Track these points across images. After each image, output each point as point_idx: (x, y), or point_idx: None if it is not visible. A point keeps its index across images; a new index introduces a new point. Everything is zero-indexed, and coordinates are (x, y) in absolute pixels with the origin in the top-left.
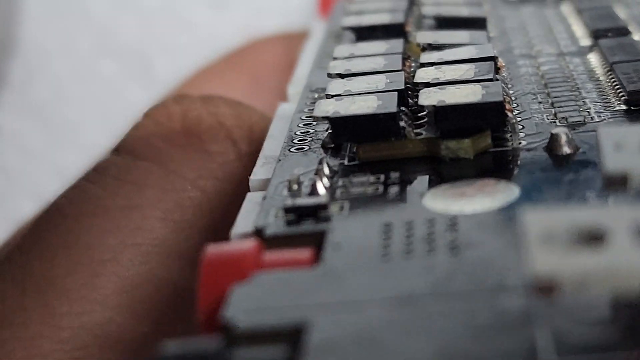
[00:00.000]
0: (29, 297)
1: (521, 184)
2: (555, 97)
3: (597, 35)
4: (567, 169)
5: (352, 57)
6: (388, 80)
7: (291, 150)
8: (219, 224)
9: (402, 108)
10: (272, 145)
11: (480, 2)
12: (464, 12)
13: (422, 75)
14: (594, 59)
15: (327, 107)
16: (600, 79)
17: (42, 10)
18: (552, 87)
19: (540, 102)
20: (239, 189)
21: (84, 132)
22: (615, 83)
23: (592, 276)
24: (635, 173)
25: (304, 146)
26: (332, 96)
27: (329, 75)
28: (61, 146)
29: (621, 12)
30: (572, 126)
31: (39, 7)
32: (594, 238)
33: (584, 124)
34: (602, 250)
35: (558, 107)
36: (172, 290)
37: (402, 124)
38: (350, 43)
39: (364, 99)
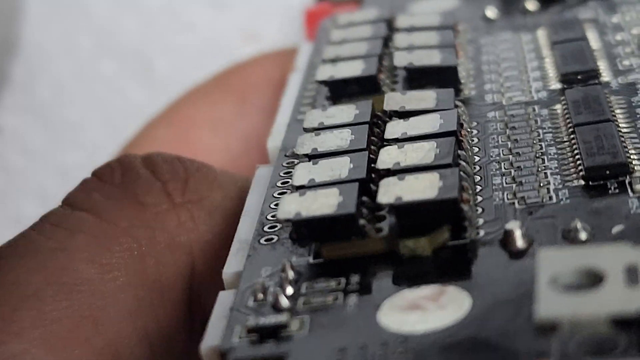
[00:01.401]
0: None
1: (474, 292)
2: (517, 166)
3: (566, 79)
4: (519, 268)
5: (320, 128)
6: (351, 166)
7: (260, 242)
8: (149, 268)
9: (364, 199)
10: (246, 226)
11: (455, 27)
12: (436, 59)
13: (384, 158)
14: (560, 110)
15: (289, 207)
16: (564, 140)
17: (43, 10)
18: (516, 150)
19: (503, 175)
20: (170, 237)
21: (84, 132)
22: (576, 152)
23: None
24: (564, 322)
25: (273, 236)
26: (297, 188)
27: (297, 157)
28: (62, 145)
29: (593, 42)
30: (529, 210)
31: (40, 7)
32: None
33: (542, 206)
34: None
35: (519, 181)
36: (93, 327)
37: (362, 221)
38: (323, 100)
39: (326, 194)
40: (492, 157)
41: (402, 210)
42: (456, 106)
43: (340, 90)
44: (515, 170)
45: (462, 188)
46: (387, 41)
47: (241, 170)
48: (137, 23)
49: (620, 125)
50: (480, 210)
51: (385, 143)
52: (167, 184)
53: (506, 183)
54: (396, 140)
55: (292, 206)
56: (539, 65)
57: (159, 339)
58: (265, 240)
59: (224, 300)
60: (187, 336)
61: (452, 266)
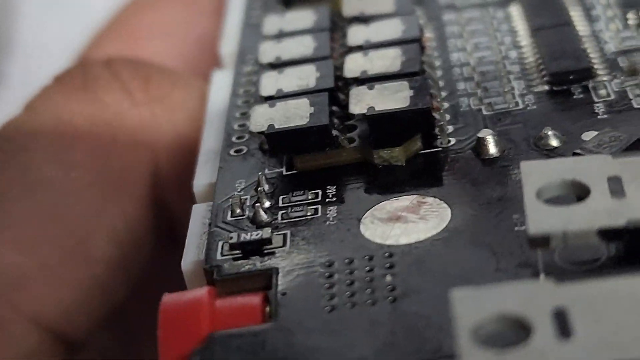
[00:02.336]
0: None
1: (451, 201)
2: (480, 71)
3: None
4: (495, 175)
5: (281, 35)
6: (318, 74)
7: (230, 153)
8: (113, 166)
9: (334, 108)
10: (210, 136)
11: None
12: None
13: (351, 66)
14: (515, 13)
15: (261, 119)
16: (524, 44)
17: (42, 9)
18: (476, 54)
19: (466, 79)
20: (132, 135)
21: None
22: (538, 56)
23: None
24: (555, 236)
25: (242, 147)
26: (266, 99)
27: (261, 66)
28: None
29: None
30: (498, 117)
31: (38, 6)
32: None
33: (509, 112)
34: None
35: (484, 86)
36: (61, 226)
37: (335, 132)
38: (274, 4)
39: (296, 105)
40: (453, 62)
41: (374, 120)
42: (414, 9)
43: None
44: (478, 75)
45: (431, 96)
46: None
47: (198, 74)
48: None
49: (577, 27)
50: (448, 117)
51: (349, 51)
52: (128, 83)
53: (470, 89)
54: (360, 48)
55: (264, 118)
56: None
57: (127, 239)
58: (235, 152)
59: (198, 213)
60: (155, 237)
61: (426, 175)
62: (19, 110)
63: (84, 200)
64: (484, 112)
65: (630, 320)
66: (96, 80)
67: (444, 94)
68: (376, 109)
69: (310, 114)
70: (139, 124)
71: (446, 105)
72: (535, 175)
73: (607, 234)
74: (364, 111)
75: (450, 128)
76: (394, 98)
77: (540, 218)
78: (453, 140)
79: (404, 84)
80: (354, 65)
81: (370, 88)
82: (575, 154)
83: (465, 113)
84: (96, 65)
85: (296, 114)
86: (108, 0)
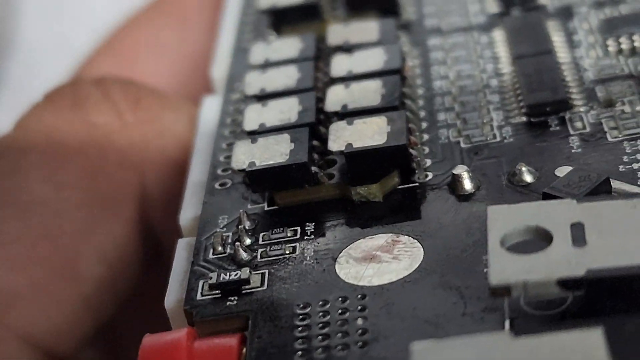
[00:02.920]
0: None
1: (426, 242)
2: (461, 101)
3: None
4: (468, 214)
5: (266, 65)
6: (300, 108)
7: (215, 187)
8: (102, 186)
9: (315, 143)
10: (197, 168)
11: None
12: None
13: (332, 99)
14: (499, 37)
15: (243, 157)
16: (505, 72)
17: (41, 10)
18: (459, 83)
19: (446, 110)
20: (121, 156)
21: None
22: (517, 85)
23: None
24: (516, 286)
25: (227, 180)
26: (249, 133)
27: (246, 97)
28: None
29: None
30: (475, 150)
31: (37, 6)
32: None
33: (486, 145)
34: None
35: (463, 117)
36: (51, 246)
37: (314, 169)
38: (265, 28)
39: (277, 140)
40: (435, 90)
41: (352, 157)
42: (397, 37)
43: (282, 18)
44: (458, 106)
45: (409, 131)
46: None
47: (190, 95)
48: (135, 9)
49: (558, 55)
50: (427, 149)
51: (331, 83)
52: (118, 104)
53: (450, 120)
54: (342, 79)
55: (245, 155)
56: None
57: (115, 258)
58: (220, 185)
59: (182, 249)
60: (142, 256)
61: (403, 211)
62: (18, 111)
63: (73, 220)
64: (462, 145)
65: None
66: (86, 100)
67: (424, 125)
68: (354, 145)
69: (291, 150)
70: (128, 145)
71: (426, 137)
72: (501, 220)
73: (567, 284)
74: (342, 148)
75: (428, 162)
76: (372, 134)
77: (502, 268)
78: (430, 175)
79: (382, 119)
80: (335, 98)
81: (350, 123)
82: (544, 194)
83: (444, 146)
84: (86, 84)
85: (277, 151)
86: (108, 2)
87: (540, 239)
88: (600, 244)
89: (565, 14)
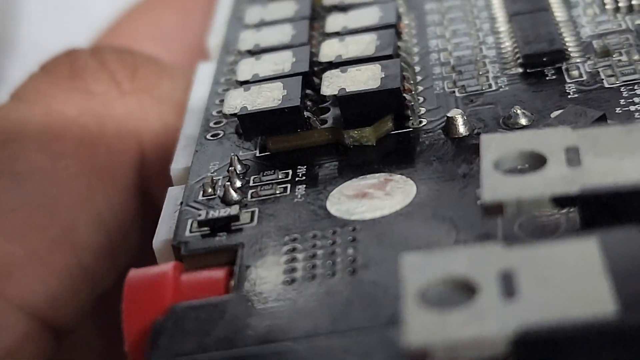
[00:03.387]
0: None
1: (418, 178)
2: (456, 56)
3: None
4: (462, 153)
5: (261, 24)
6: (294, 60)
7: (207, 137)
8: (100, 155)
9: (308, 92)
10: (191, 123)
11: None
12: None
13: (326, 51)
14: (496, 0)
15: (235, 102)
16: (501, 30)
17: (41, 9)
18: (455, 40)
19: (442, 64)
20: (119, 125)
21: None
22: (513, 40)
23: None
24: (509, 203)
25: (219, 131)
26: (242, 83)
27: (240, 53)
28: None
29: None
30: (470, 98)
31: (38, 6)
32: (466, 290)
33: (482, 93)
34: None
35: (459, 70)
36: (48, 215)
37: (307, 114)
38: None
39: (270, 88)
40: (431, 48)
41: (345, 101)
42: None
43: None
44: (454, 60)
45: (403, 78)
46: None
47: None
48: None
49: (555, 13)
50: (421, 99)
51: (326, 37)
52: (116, 73)
53: (446, 72)
54: (337, 34)
55: (237, 101)
56: None
57: (114, 227)
58: (212, 136)
59: (173, 195)
60: (140, 226)
61: (396, 154)
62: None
63: (71, 189)
64: (457, 94)
65: (573, 281)
66: (83, 70)
67: (419, 78)
68: (347, 90)
69: (283, 96)
70: (126, 113)
71: (420, 88)
72: (494, 146)
73: (561, 201)
74: (335, 92)
75: (423, 110)
76: (365, 80)
77: (495, 186)
78: (424, 122)
79: (376, 66)
80: (329, 50)
81: (343, 71)
82: None
83: (439, 95)
84: (83, 54)
85: (269, 97)
86: (108, 1)
87: (535, 163)
88: (594, 165)
89: None
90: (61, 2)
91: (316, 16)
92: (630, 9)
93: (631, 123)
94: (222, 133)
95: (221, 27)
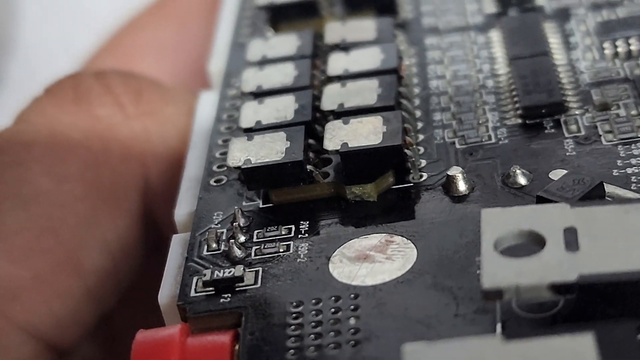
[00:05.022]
0: None
1: (418, 241)
2: (457, 101)
3: (500, 1)
4: (462, 215)
5: (263, 61)
6: (297, 106)
7: (210, 183)
8: (104, 178)
9: (310, 142)
10: (194, 163)
11: None
12: None
13: (328, 98)
14: (496, 38)
15: (238, 154)
16: (501, 73)
17: (42, 10)
18: (455, 83)
19: (442, 110)
20: (124, 148)
21: None
22: (513, 87)
23: None
24: (508, 289)
25: (222, 176)
26: (245, 130)
27: (243, 94)
28: None
29: None
30: (470, 150)
31: (38, 7)
32: None
33: (481, 146)
34: None
35: (459, 118)
36: (53, 238)
37: (309, 167)
38: (262, 23)
39: (273, 139)
40: (431, 89)
41: (348, 157)
42: (394, 36)
43: (280, 15)
44: (454, 106)
45: (404, 131)
46: None
47: (188, 91)
48: (135, 11)
49: (555, 57)
50: (422, 150)
51: (328, 81)
52: (120, 97)
53: (446, 120)
54: (339, 78)
55: (241, 152)
56: None
57: (118, 250)
58: (215, 182)
59: (177, 243)
60: (144, 250)
61: (397, 211)
62: (18, 111)
63: (76, 212)
64: (457, 146)
65: None
66: (88, 93)
67: (420, 124)
68: (349, 145)
69: (286, 148)
70: (130, 137)
71: (421, 137)
72: (494, 223)
73: (559, 289)
74: (338, 147)
75: (423, 162)
76: (367, 134)
77: (495, 272)
78: (425, 176)
79: (378, 118)
80: (331, 96)
81: (346, 122)
82: (538, 197)
83: (439, 146)
84: (87, 77)
85: (272, 149)
86: (108, 2)
87: (533, 242)
88: (592, 249)
89: (563, 16)
90: (61, 3)
91: (318, 52)
92: (629, 54)
93: (627, 202)
94: (225, 179)
95: (222, 52)
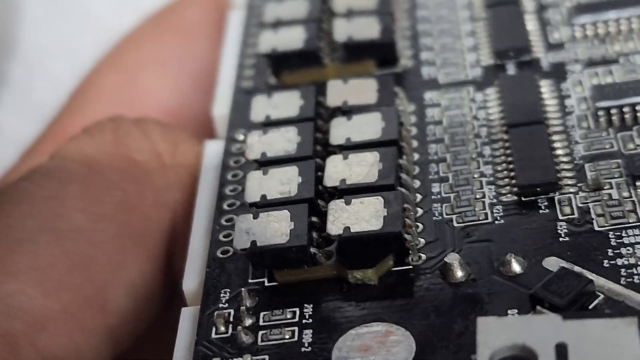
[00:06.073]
0: None
1: (416, 333)
2: (454, 170)
3: (499, 55)
4: (459, 304)
5: (267, 122)
6: (300, 180)
7: (218, 254)
8: (136, 222)
9: (313, 220)
10: (199, 230)
11: None
12: (374, 31)
13: (331, 172)
14: (493, 96)
15: (244, 235)
16: (498, 138)
17: (42, 11)
18: (453, 148)
19: (441, 180)
20: (157, 195)
21: None
22: (510, 160)
23: None
24: None
25: (229, 247)
26: (250, 205)
27: (247, 160)
28: None
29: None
30: (467, 231)
31: (39, 7)
32: None
33: (477, 226)
34: None
35: (457, 191)
36: (84, 275)
37: (313, 250)
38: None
39: (278, 218)
40: (430, 154)
41: (349, 242)
42: (395, 95)
43: (282, 63)
44: (452, 176)
45: (404, 211)
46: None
47: (192, 110)
48: (136, 23)
49: (551, 123)
50: (420, 227)
51: (330, 151)
52: (158, 145)
53: (445, 192)
54: (340, 147)
55: (246, 233)
56: (472, 30)
57: (142, 293)
58: (222, 253)
59: (187, 318)
60: (163, 295)
61: (397, 295)
62: (20, 112)
63: (107, 252)
64: (455, 224)
65: None
66: (127, 137)
67: (418, 196)
68: (352, 229)
69: (291, 230)
70: (164, 185)
71: (420, 211)
72: (490, 335)
73: None
74: (341, 232)
75: (422, 241)
76: (368, 217)
77: None
78: (424, 257)
79: (379, 200)
80: (333, 171)
81: (348, 203)
82: (532, 296)
83: (437, 223)
84: (127, 122)
85: (277, 229)
86: (109, 3)
87: (527, 356)
88: None
89: (559, 73)
90: (62, 3)
91: (320, 112)
92: (622, 123)
93: (616, 316)
94: (231, 251)
95: (225, 97)
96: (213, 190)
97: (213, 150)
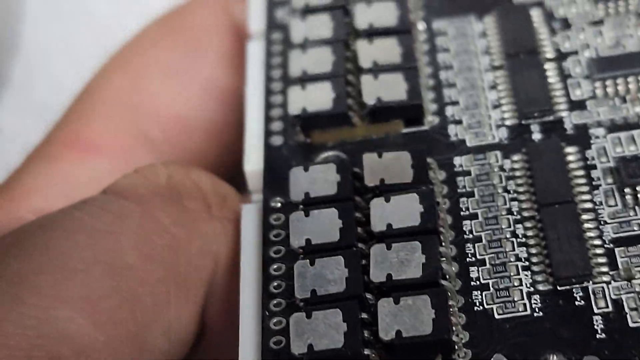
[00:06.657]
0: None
1: None
2: (490, 253)
3: (524, 116)
4: None
5: (307, 202)
6: (347, 274)
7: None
8: (181, 267)
9: (364, 317)
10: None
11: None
12: (401, 92)
13: (376, 268)
14: (520, 164)
15: (299, 344)
16: (529, 216)
17: (43, 10)
18: (488, 227)
19: (479, 263)
20: (204, 243)
21: None
22: (544, 245)
23: None
24: None
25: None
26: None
27: (290, 247)
28: None
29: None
30: (506, 323)
31: (40, 7)
32: None
33: (515, 319)
34: None
35: (495, 277)
36: (130, 312)
37: (366, 352)
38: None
39: (326, 317)
40: (465, 232)
41: (400, 347)
42: (428, 169)
43: (312, 123)
44: (489, 259)
45: (449, 308)
46: (348, 44)
47: (201, 121)
48: (138, 23)
49: (580, 199)
50: (463, 319)
51: (371, 241)
52: (208, 196)
53: (483, 279)
54: (382, 234)
55: (299, 339)
56: (494, 80)
57: (177, 339)
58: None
59: None
60: (193, 342)
61: None
62: (21, 112)
63: (152, 293)
64: (496, 315)
65: None
66: (180, 184)
67: (460, 300)
68: (403, 334)
69: (344, 332)
70: (211, 235)
71: (461, 300)
72: None
73: None
74: (393, 337)
75: (466, 335)
76: (417, 318)
77: None
78: (470, 354)
79: (426, 299)
80: (379, 267)
81: (396, 302)
82: None
83: (478, 315)
84: (179, 169)
85: (327, 333)
86: (110, 4)
87: None
88: None
89: (583, 139)
90: (63, 4)
91: (356, 187)
92: None
93: None
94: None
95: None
96: (256, 266)
97: (250, 216)
